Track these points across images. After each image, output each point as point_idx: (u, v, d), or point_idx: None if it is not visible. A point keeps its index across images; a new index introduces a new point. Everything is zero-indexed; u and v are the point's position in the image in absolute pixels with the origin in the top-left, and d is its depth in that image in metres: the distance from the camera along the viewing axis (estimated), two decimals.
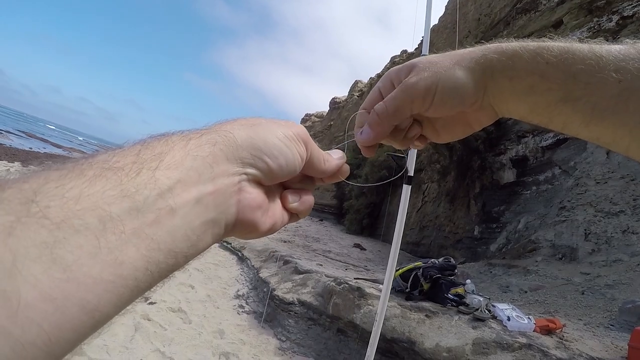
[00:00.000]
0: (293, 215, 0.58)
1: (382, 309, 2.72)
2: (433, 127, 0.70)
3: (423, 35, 3.25)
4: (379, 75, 34.17)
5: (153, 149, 0.39)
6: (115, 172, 0.35)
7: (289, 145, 0.50)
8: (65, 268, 0.29)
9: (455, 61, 0.62)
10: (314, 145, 0.57)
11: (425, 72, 0.62)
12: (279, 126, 0.51)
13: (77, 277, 0.29)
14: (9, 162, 19.07)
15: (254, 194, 0.47)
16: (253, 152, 0.46)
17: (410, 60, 0.66)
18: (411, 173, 2.62)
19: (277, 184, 0.55)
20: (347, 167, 0.63)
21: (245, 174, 0.46)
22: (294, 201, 0.56)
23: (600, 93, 0.53)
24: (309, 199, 0.58)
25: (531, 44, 0.58)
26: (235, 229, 0.47)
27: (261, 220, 0.49)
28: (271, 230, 0.52)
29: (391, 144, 0.71)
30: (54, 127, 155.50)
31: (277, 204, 0.54)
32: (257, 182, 0.48)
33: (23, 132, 57.22)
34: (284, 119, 0.54)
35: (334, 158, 0.61)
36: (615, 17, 10.17)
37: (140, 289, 0.34)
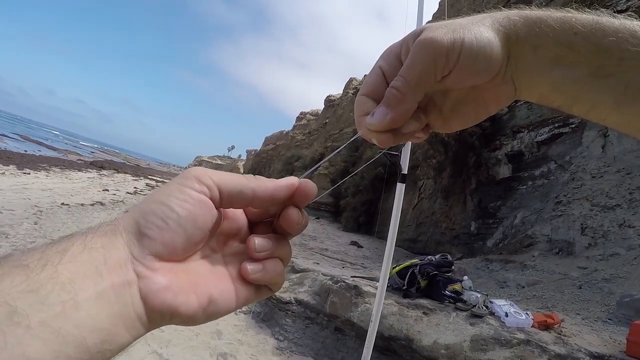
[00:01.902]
0: (261, 288, 0.50)
1: (378, 309, 2.70)
2: (440, 113, 0.58)
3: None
4: None
5: (58, 246, 0.39)
6: (22, 269, 0.35)
7: (164, 200, 0.43)
8: None
9: (477, 20, 0.52)
10: (222, 174, 0.48)
11: (443, 29, 0.50)
12: (165, 187, 0.45)
13: None
14: (4, 165, 18.98)
15: (157, 277, 0.41)
16: (134, 230, 0.42)
17: (413, 30, 0.54)
18: (405, 171, 2.60)
19: (237, 253, 0.50)
20: (308, 186, 0.50)
21: (135, 257, 0.41)
22: (254, 272, 0.48)
23: (635, 70, 0.47)
24: (277, 267, 0.50)
25: (557, 12, 0.50)
26: (154, 320, 0.41)
27: (177, 302, 0.42)
28: (205, 308, 0.44)
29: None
30: (57, 133, 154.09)
31: (218, 277, 0.47)
32: (161, 259, 0.42)
33: (18, 134, 57.01)
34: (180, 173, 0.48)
35: (274, 181, 0.50)
36: (609, 11, 10.17)
37: None
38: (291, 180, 0.50)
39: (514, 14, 0.52)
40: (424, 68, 0.50)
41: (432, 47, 0.49)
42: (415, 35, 0.52)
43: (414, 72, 0.51)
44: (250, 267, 0.48)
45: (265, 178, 0.50)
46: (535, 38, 0.50)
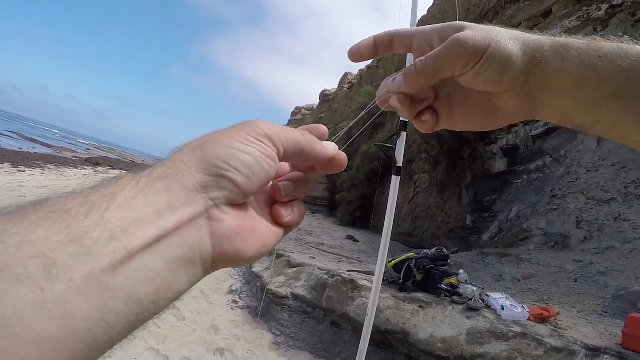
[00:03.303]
0: (287, 228, 0.52)
1: (374, 303, 2.70)
2: (450, 106, 0.63)
3: (410, 26, 3.21)
4: (368, 67, 34.01)
5: (103, 191, 0.35)
6: (61, 215, 0.31)
7: (247, 150, 0.43)
8: (5, 324, 0.25)
9: (510, 36, 0.55)
10: (287, 133, 0.49)
11: (479, 33, 0.54)
12: (230, 134, 0.44)
13: (19, 333, 0.26)
14: None
15: (229, 221, 0.41)
16: (211, 172, 0.40)
17: (456, 22, 0.58)
18: (400, 164, 2.59)
19: (264, 199, 0.51)
20: (343, 156, 0.54)
21: (212, 199, 0.40)
22: (287, 215, 0.50)
23: None
24: (301, 209, 0.52)
25: (583, 38, 0.54)
26: (217, 263, 0.41)
27: (244, 247, 0.43)
28: (261, 252, 0.45)
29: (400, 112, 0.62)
30: (57, 132, 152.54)
31: (264, 222, 0.48)
32: (229, 205, 0.42)
33: (13, 132, 56.76)
34: (240, 122, 0.47)
35: (322, 143, 0.53)
36: (605, 6, 10.16)
37: (99, 343, 0.30)
38: (329, 151, 0.53)
39: (545, 37, 0.55)
40: (447, 64, 0.55)
41: (459, 49, 0.53)
42: (455, 28, 0.56)
43: (436, 62, 0.55)
44: (283, 211, 0.50)
45: (315, 139, 0.52)
46: (561, 60, 0.52)
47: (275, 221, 0.49)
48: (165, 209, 0.36)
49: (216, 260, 0.40)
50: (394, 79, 0.59)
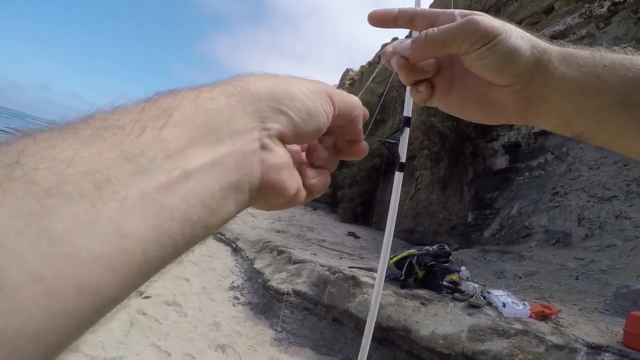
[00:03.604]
0: (309, 193, 0.51)
1: (376, 300, 2.70)
2: (449, 86, 0.64)
3: None
4: (369, 64, 33.96)
5: (159, 105, 0.34)
6: (114, 132, 0.30)
7: (312, 98, 0.44)
8: (55, 241, 0.24)
9: (522, 33, 0.56)
10: (343, 96, 0.50)
11: (495, 22, 0.55)
12: (301, 80, 0.46)
13: (70, 251, 0.24)
14: None
15: (279, 152, 0.41)
16: (273, 104, 0.41)
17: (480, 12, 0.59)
18: (403, 160, 2.59)
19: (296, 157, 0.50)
20: (366, 144, 0.56)
21: (266, 129, 0.40)
22: (314, 176, 0.49)
23: None
24: (326, 177, 0.52)
25: (588, 48, 0.55)
26: (261, 194, 0.41)
27: (288, 182, 0.43)
28: (296, 198, 0.46)
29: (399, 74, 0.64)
30: None
31: (297, 173, 0.48)
32: (281, 139, 0.42)
33: (13, 129, 56.87)
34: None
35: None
36: (607, 3, 10.12)
37: (151, 266, 0.29)
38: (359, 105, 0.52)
39: (553, 45, 0.56)
40: (456, 38, 0.55)
41: (473, 27, 0.54)
42: (467, 14, 0.58)
43: (446, 34, 0.56)
44: (310, 172, 0.49)
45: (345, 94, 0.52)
46: (566, 67, 0.54)
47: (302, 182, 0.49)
48: (225, 130, 0.36)
49: (262, 190, 0.40)
50: (402, 42, 0.61)
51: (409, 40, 0.59)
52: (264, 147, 0.39)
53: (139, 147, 0.30)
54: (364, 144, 0.55)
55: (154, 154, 0.30)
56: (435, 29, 0.57)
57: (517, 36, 0.55)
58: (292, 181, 0.44)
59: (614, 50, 0.54)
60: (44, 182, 0.25)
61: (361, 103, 0.52)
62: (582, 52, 0.54)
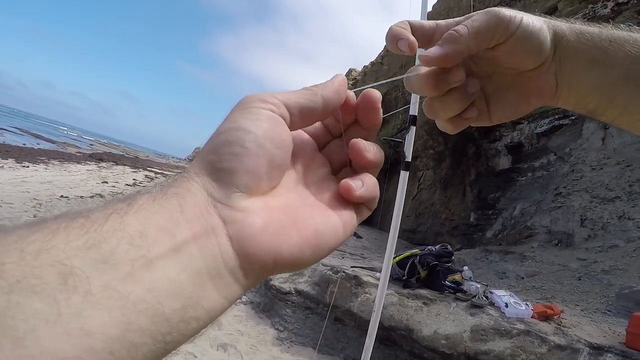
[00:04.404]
0: (361, 208, 0.45)
1: (381, 299, 2.70)
2: (484, 98, 0.61)
3: (420, 19, 3.21)
4: (372, 64, 33.88)
5: (122, 200, 0.32)
6: (81, 222, 0.29)
7: (240, 125, 0.38)
8: (16, 342, 0.23)
9: (530, 14, 0.56)
10: (281, 93, 0.42)
11: (509, 10, 0.54)
12: (225, 120, 0.40)
13: (32, 353, 0.23)
14: (2, 158, 18.87)
15: (249, 217, 0.36)
16: (207, 170, 0.36)
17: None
18: (409, 159, 2.58)
19: (323, 172, 0.46)
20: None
21: (216, 200, 0.35)
22: (358, 187, 0.43)
23: None
24: (373, 182, 0.45)
25: (595, 25, 0.56)
26: (254, 271, 0.36)
27: (278, 243, 0.36)
28: (314, 246, 0.38)
29: (445, 109, 0.59)
30: (65, 129, 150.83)
31: (319, 204, 0.42)
32: (247, 197, 0.37)
33: (16, 127, 56.84)
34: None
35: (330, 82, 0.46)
36: (611, 4, 10.11)
37: None
38: (341, 80, 0.47)
39: (560, 21, 0.57)
40: (485, 25, 0.54)
41: (496, 15, 0.54)
42: (481, 12, 0.56)
43: (475, 24, 0.54)
44: (353, 182, 0.43)
45: (324, 84, 0.46)
46: (577, 41, 0.55)
47: (345, 197, 0.43)
48: (178, 212, 0.33)
49: (249, 268, 0.35)
50: (428, 51, 0.55)
51: (433, 47, 0.54)
52: (225, 221, 0.35)
53: (102, 234, 0.29)
54: (368, 94, 0.48)
55: (117, 241, 0.29)
56: (461, 25, 0.55)
57: (532, 17, 0.55)
58: (288, 237, 0.37)
59: (619, 28, 0.55)
60: (10, 276, 0.24)
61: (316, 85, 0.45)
62: (590, 28, 0.55)
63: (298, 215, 0.39)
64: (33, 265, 0.25)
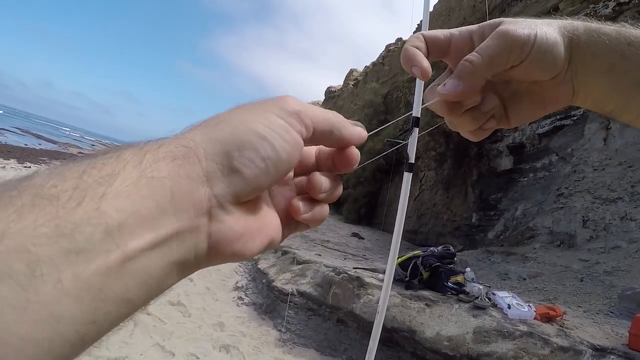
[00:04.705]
0: (300, 224, 0.46)
1: (384, 300, 2.70)
2: (502, 106, 0.62)
3: (422, 19, 3.19)
4: (374, 64, 33.86)
5: (101, 169, 0.30)
6: (50, 201, 0.27)
7: (270, 137, 0.37)
8: None
9: (546, 23, 0.55)
10: (316, 109, 0.43)
11: (520, 25, 0.54)
12: (254, 112, 0.39)
13: (2, 337, 0.23)
14: (4, 159, 18.90)
15: (231, 223, 0.36)
16: (223, 161, 0.35)
17: (491, 20, 0.58)
18: (412, 160, 2.58)
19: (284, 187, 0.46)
20: (357, 146, 0.47)
21: (215, 195, 0.35)
22: (305, 212, 0.44)
23: None
24: (324, 210, 0.46)
25: (613, 25, 0.55)
26: (212, 263, 0.37)
27: (244, 248, 0.37)
28: (262, 250, 0.40)
29: (463, 127, 0.62)
30: (68, 129, 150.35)
31: (275, 213, 0.43)
32: (236, 203, 0.37)
33: (18, 128, 56.83)
34: (268, 98, 0.41)
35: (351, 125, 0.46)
36: (612, 4, 10.10)
37: (85, 340, 0.27)
38: (362, 133, 0.47)
39: (577, 22, 0.56)
40: (499, 52, 0.54)
41: (510, 38, 0.53)
42: (493, 25, 0.56)
43: (488, 51, 0.54)
44: (302, 207, 0.44)
45: (343, 118, 0.46)
46: (594, 45, 0.54)
47: (290, 214, 0.44)
48: (167, 202, 0.32)
49: (211, 261, 0.37)
50: (445, 84, 0.56)
51: (450, 80, 0.55)
52: (212, 218, 0.35)
53: (74, 221, 0.27)
54: (353, 151, 0.47)
55: (92, 230, 0.27)
56: (475, 53, 0.55)
57: (546, 27, 0.55)
58: (253, 244, 0.38)
59: (639, 27, 0.54)
60: None
61: (341, 117, 0.45)
62: (607, 29, 0.54)
63: (264, 225, 0.40)
64: None
